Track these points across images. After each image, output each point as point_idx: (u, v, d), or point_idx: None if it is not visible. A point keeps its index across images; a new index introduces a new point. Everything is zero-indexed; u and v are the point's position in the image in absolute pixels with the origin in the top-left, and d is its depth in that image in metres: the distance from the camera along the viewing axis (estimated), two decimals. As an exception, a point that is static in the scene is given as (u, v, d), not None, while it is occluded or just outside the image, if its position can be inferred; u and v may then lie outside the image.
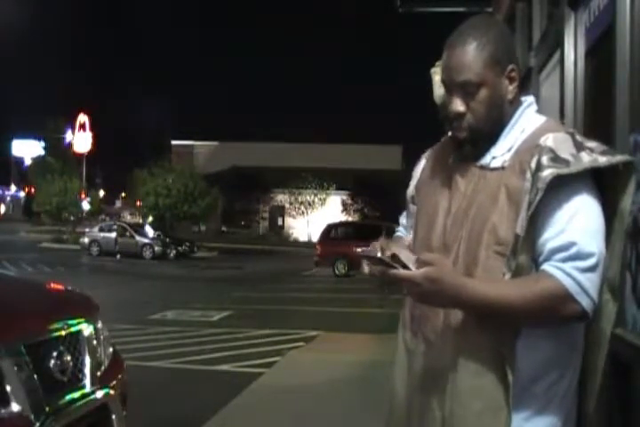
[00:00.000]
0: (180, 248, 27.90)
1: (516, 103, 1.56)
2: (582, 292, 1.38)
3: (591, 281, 1.40)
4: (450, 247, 1.53)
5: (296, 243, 44.73)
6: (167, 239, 28.03)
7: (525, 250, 1.43)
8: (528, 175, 1.43)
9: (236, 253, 32.28)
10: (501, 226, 1.45)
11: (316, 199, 48.66)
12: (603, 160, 1.42)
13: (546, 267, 1.42)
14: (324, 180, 47.12)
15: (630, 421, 2.21)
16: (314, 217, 46.24)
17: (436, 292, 1.36)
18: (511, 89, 1.53)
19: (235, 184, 46.22)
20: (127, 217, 63.52)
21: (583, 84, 3.13)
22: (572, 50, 3.21)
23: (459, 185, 1.56)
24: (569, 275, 1.38)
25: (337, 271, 20.44)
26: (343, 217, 44.86)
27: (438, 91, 3.52)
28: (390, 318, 2.18)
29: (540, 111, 1.65)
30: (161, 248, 27.02)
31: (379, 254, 1.40)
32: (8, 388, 2.15)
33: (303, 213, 49.04)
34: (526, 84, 4.79)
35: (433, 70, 3.51)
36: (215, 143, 55.57)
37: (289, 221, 50.57)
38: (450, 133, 1.60)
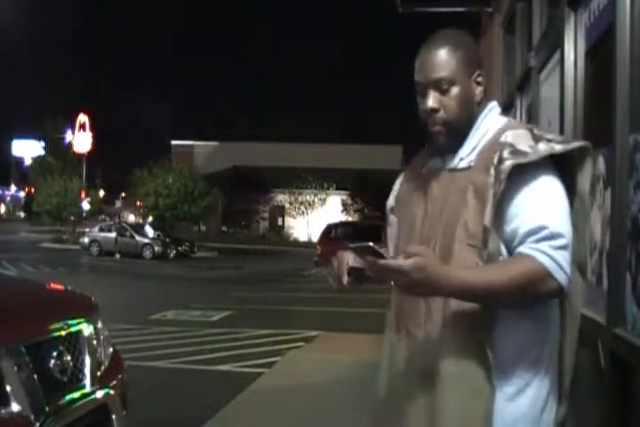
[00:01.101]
0: (180, 248, 27.89)
1: (482, 106, 1.70)
2: (559, 268, 1.48)
3: (565, 258, 1.50)
4: (427, 245, 1.62)
5: (296, 243, 44.71)
6: (167, 239, 28.01)
7: (494, 239, 1.54)
8: (492, 171, 1.54)
9: (235, 253, 32.26)
10: (471, 221, 1.56)
11: (316, 199, 48.63)
12: (559, 147, 1.55)
13: (522, 249, 1.52)
14: (324, 180, 47.10)
15: (631, 420, 2.21)
16: (314, 217, 46.23)
17: (423, 280, 1.42)
18: (478, 92, 1.67)
19: (235, 184, 46.18)
20: (130, 217, 63.44)
21: (583, 84, 3.12)
22: (572, 50, 3.21)
23: (433, 190, 1.68)
24: (545, 253, 1.49)
25: (337, 271, 20.40)
26: (343, 217, 44.85)
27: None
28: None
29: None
30: (161, 248, 27.01)
31: (370, 243, 1.46)
32: (8, 388, 2.15)
33: (303, 213, 49.01)
34: (526, 84, 4.79)
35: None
36: (215, 143, 55.54)
37: (289, 221, 50.54)
38: (426, 132, 1.69)
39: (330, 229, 22.35)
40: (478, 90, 1.67)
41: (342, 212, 47.96)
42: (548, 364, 1.60)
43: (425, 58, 1.65)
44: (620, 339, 2.25)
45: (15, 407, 2.15)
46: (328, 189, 48.22)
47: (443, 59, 1.63)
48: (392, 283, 1.50)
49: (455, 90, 1.63)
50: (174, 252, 27.48)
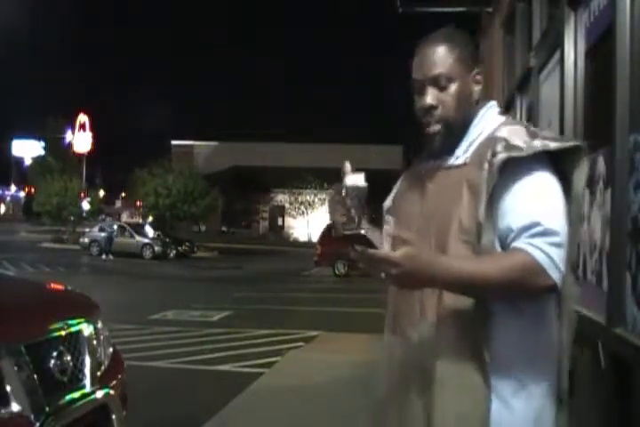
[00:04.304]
0: (180, 248, 27.90)
1: (480, 105, 1.69)
2: (552, 264, 1.46)
3: (559, 256, 1.48)
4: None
5: (296, 243, 44.71)
6: (167, 239, 28.01)
7: (488, 234, 1.52)
8: (485, 165, 1.52)
9: (236, 253, 32.26)
10: (465, 216, 1.54)
11: (316, 199, 48.61)
12: (553, 145, 1.54)
13: (516, 244, 1.50)
14: (324, 180, 47.07)
15: (631, 420, 2.21)
16: (314, 217, 46.22)
17: (415, 269, 1.40)
18: (476, 90, 1.67)
19: (235, 184, 46.18)
20: (124, 216, 63.38)
21: (583, 84, 3.13)
22: (572, 50, 3.21)
23: (428, 188, 1.67)
24: (539, 248, 1.47)
25: (337, 271, 20.44)
26: (343, 217, 44.68)
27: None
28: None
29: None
30: (161, 248, 27.01)
31: (362, 231, 1.44)
32: (8, 388, 2.15)
33: (303, 213, 49.00)
34: (526, 84, 4.79)
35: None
36: (215, 143, 55.54)
37: (289, 221, 50.53)
38: (423, 130, 1.68)
39: (330, 229, 22.24)
40: (476, 88, 1.66)
41: (342, 212, 47.84)
42: (544, 365, 1.57)
43: (423, 55, 1.65)
44: (620, 339, 2.25)
45: (15, 407, 2.15)
46: (328, 189, 48.15)
47: (441, 56, 1.62)
48: (383, 275, 1.45)
49: (453, 87, 1.62)
50: (174, 252, 27.48)
